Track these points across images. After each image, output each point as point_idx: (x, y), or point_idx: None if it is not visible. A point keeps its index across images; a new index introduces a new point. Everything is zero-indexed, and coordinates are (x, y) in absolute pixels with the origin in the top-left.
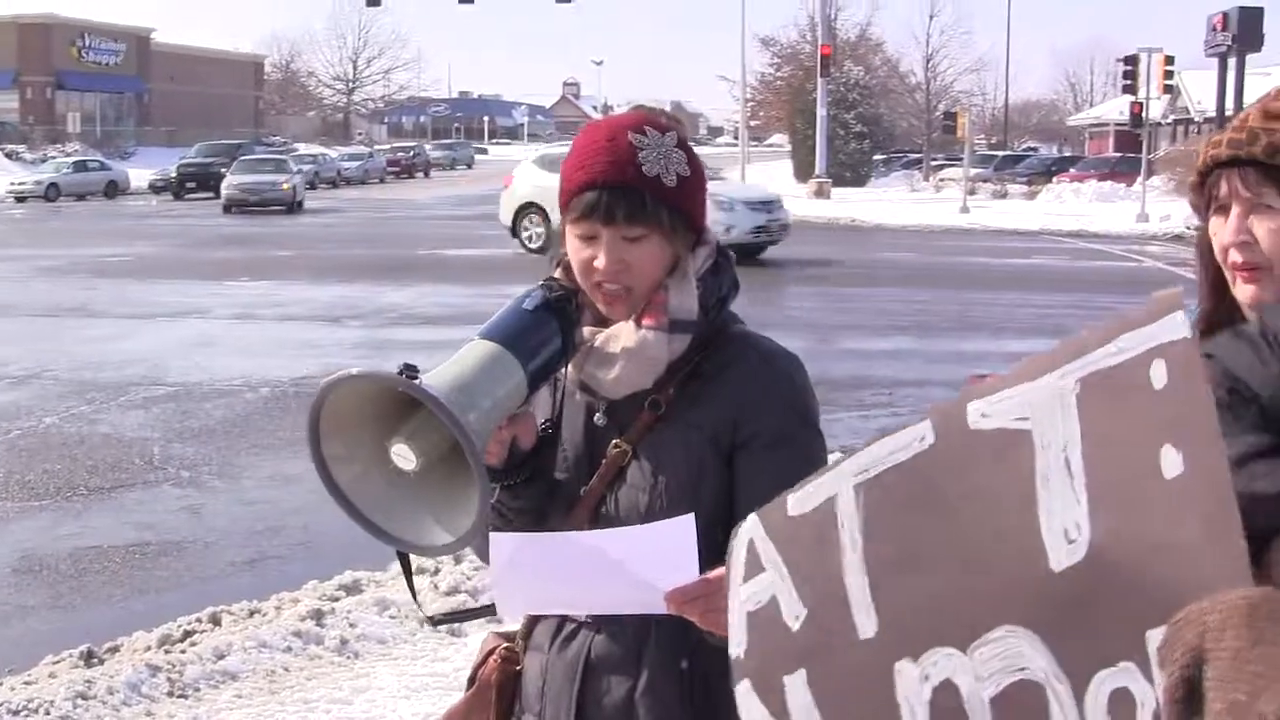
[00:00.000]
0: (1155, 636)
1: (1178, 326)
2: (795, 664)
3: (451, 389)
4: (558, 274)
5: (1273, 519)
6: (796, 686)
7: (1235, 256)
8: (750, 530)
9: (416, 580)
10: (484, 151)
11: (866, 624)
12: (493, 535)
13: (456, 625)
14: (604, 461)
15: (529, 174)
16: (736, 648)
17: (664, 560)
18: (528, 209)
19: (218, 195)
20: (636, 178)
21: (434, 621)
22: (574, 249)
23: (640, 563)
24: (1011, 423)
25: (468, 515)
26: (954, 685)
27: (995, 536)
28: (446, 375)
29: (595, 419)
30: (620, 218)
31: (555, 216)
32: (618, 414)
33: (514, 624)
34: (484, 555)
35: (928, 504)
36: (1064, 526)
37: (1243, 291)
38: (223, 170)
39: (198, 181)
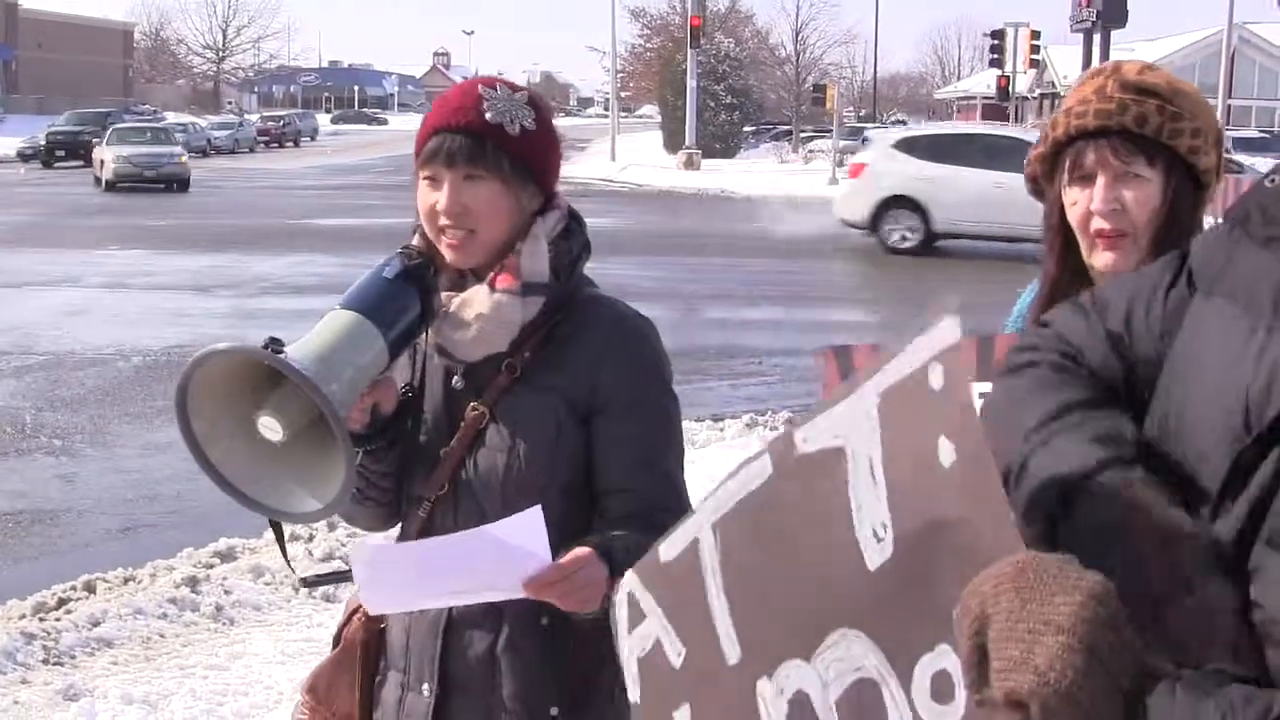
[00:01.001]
0: (956, 612)
1: (948, 333)
2: (680, 699)
3: (314, 360)
4: (415, 240)
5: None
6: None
7: (1101, 224)
8: (629, 584)
9: (291, 548)
10: (384, 122)
11: (731, 651)
12: (352, 546)
13: (330, 590)
14: (463, 424)
15: (893, 160)
16: (634, 695)
17: (518, 551)
18: (896, 203)
19: (88, 164)
20: (479, 123)
21: (306, 583)
22: (422, 197)
23: (496, 557)
24: (830, 441)
25: (334, 482)
26: (805, 694)
27: (824, 549)
28: (309, 347)
29: (453, 382)
30: (461, 160)
31: (934, 211)
32: (475, 377)
33: None
34: (355, 522)
35: (770, 531)
36: (873, 527)
37: (1101, 258)
38: (93, 140)
39: (67, 150)
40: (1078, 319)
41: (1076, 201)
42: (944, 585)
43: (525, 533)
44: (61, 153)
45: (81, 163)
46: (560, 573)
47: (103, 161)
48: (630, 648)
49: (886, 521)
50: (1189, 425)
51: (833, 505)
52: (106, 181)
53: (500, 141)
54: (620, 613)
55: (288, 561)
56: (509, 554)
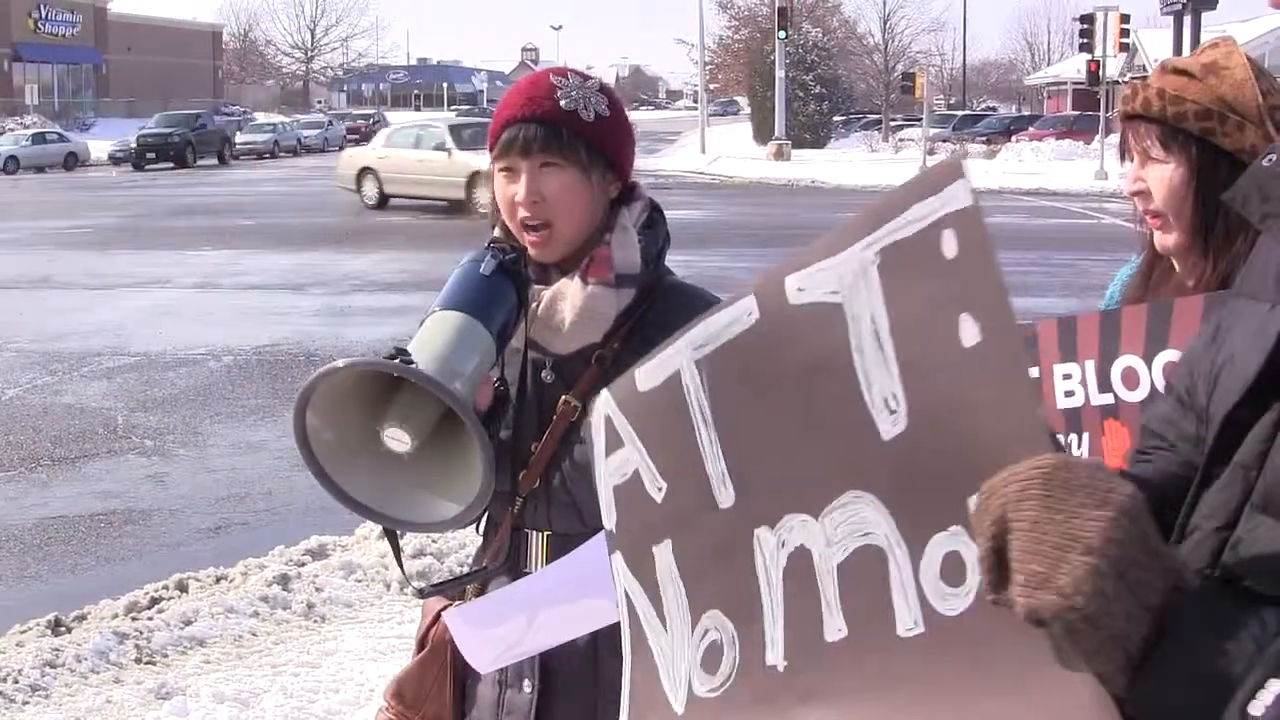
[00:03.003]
0: (974, 503)
1: (962, 195)
2: (661, 535)
3: (438, 364)
4: (497, 232)
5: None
6: (664, 555)
7: (1139, 204)
8: (604, 405)
9: (380, 546)
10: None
11: (724, 495)
12: (445, 614)
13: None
14: (554, 418)
15: None
16: (609, 521)
17: (601, 575)
18: None
19: (178, 166)
20: (553, 110)
21: (423, 594)
22: (500, 189)
23: (582, 584)
24: (825, 296)
25: (470, 483)
26: (806, 551)
27: (828, 406)
28: (429, 352)
29: (544, 375)
30: (536, 148)
31: None
32: (565, 370)
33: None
34: (453, 525)
35: (764, 377)
36: (884, 397)
37: (1156, 238)
38: (187, 139)
39: (157, 152)
40: (1161, 403)
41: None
42: (962, 467)
43: (604, 555)
44: (152, 155)
45: (172, 165)
46: None
47: (367, 171)
48: (606, 473)
49: (899, 394)
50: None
51: (836, 365)
52: (380, 197)
53: (576, 128)
54: (596, 436)
55: (403, 572)
56: (592, 579)
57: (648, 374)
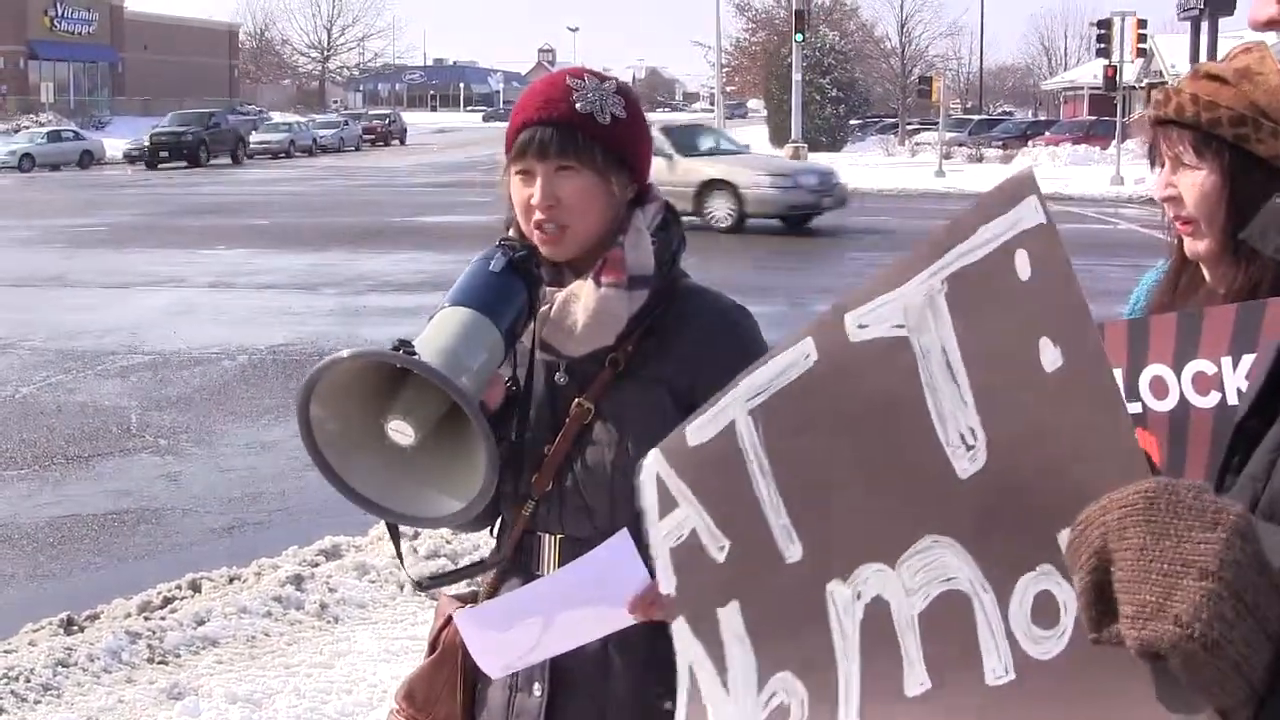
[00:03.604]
0: (1066, 538)
1: (1034, 213)
2: (726, 596)
3: (442, 357)
4: (511, 232)
5: None
6: (730, 617)
7: (1169, 210)
8: (655, 465)
9: (392, 547)
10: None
11: (791, 549)
12: (456, 615)
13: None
14: (567, 420)
15: None
16: (667, 587)
17: (614, 577)
18: None
19: (192, 165)
20: (569, 113)
21: (421, 587)
22: (515, 191)
23: (595, 588)
24: (889, 331)
25: (472, 480)
26: (885, 602)
27: (898, 448)
28: (433, 345)
29: (556, 378)
30: (553, 151)
31: None
32: (578, 372)
33: (471, 587)
34: (470, 527)
35: (825, 423)
36: (959, 433)
37: (1186, 245)
38: (200, 138)
39: (170, 151)
40: None
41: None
42: (1049, 501)
43: (617, 558)
44: (165, 154)
45: (186, 164)
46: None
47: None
48: (661, 535)
49: (975, 427)
50: None
51: (904, 403)
52: (741, 215)
53: (591, 131)
54: (648, 497)
55: (402, 565)
56: (606, 582)
57: (698, 429)
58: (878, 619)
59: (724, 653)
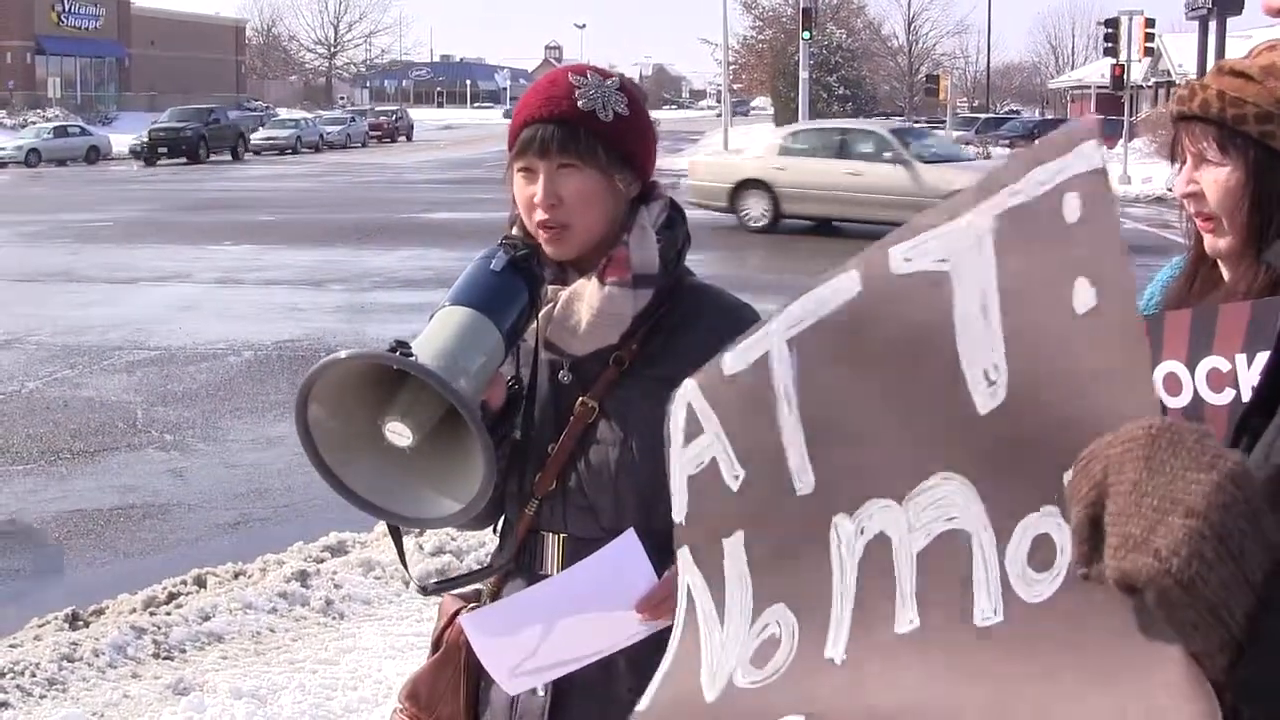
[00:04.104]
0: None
1: (1091, 157)
2: (732, 526)
3: (441, 358)
4: (514, 231)
5: None
6: (734, 548)
7: (1190, 207)
8: (688, 393)
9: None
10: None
11: (803, 481)
12: (463, 618)
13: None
14: (571, 419)
15: None
16: (679, 514)
17: (622, 578)
18: None
19: (191, 161)
20: (571, 111)
21: (426, 591)
22: (518, 189)
23: (602, 588)
24: (932, 265)
25: (470, 481)
26: (886, 538)
27: (923, 383)
28: (432, 346)
29: (560, 376)
30: (555, 149)
31: None
32: (582, 371)
33: (475, 586)
34: (473, 526)
35: (858, 355)
36: (984, 369)
37: (1206, 242)
38: (200, 133)
39: (169, 146)
40: None
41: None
42: (1061, 441)
43: (624, 558)
44: (164, 150)
45: (185, 160)
46: (669, 588)
47: (752, 184)
48: (681, 463)
49: (1000, 364)
50: None
51: (935, 336)
52: (774, 216)
53: (594, 128)
54: (675, 424)
55: (405, 567)
56: (614, 582)
57: (735, 357)
58: (878, 556)
59: (724, 582)
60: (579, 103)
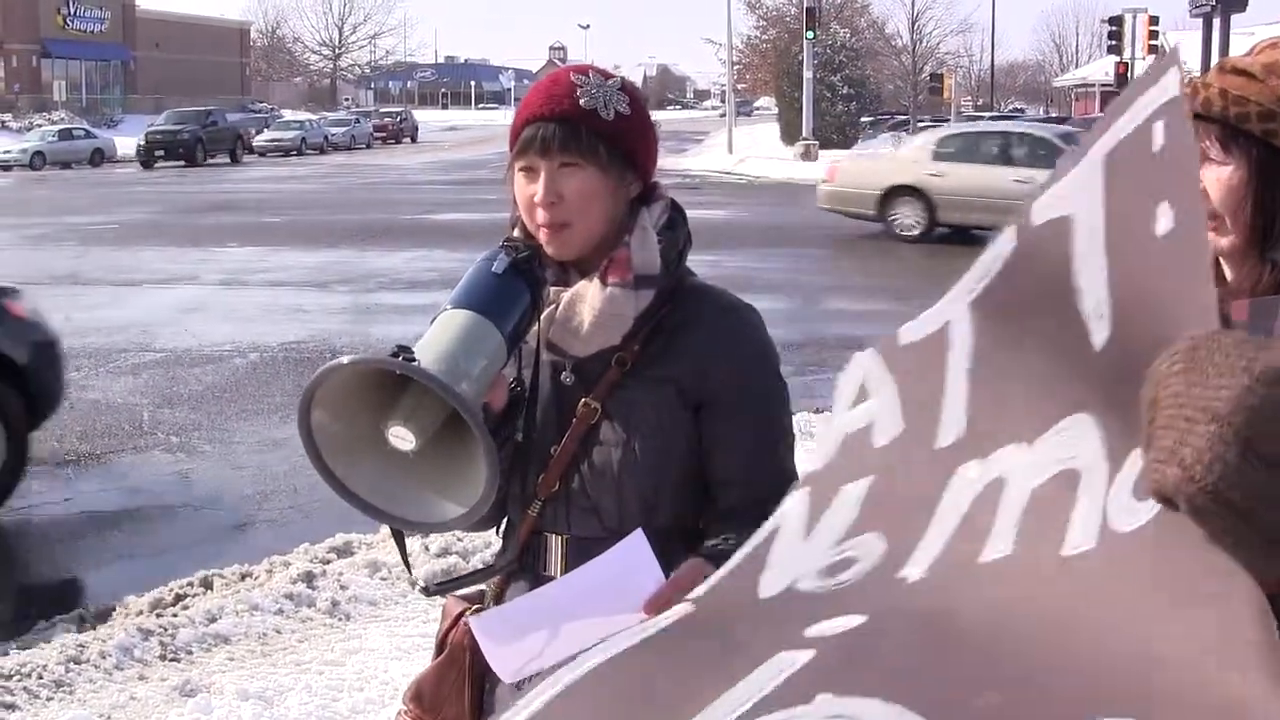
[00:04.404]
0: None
1: (1171, 85)
2: (862, 474)
3: (442, 363)
4: (515, 232)
5: None
6: (854, 489)
7: None
8: (867, 362)
9: (408, 542)
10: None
11: (948, 434)
12: (470, 618)
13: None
14: (574, 420)
15: None
16: (816, 463)
17: (630, 578)
18: None
19: (189, 164)
20: (573, 110)
21: (428, 592)
22: (519, 188)
23: (609, 589)
24: (1059, 211)
25: (473, 485)
26: (1003, 481)
27: (1055, 327)
28: (434, 350)
29: (563, 378)
30: (555, 147)
31: None
32: (585, 372)
33: (479, 588)
34: (476, 527)
35: (1013, 309)
36: (1095, 301)
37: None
38: (197, 136)
39: (166, 150)
40: None
41: None
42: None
43: (632, 558)
44: (161, 153)
45: (182, 163)
46: (677, 588)
47: (905, 191)
48: (843, 423)
49: (1104, 297)
50: None
51: (1061, 281)
52: (928, 225)
53: (595, 127)
54: (845, 388)
55: (409, 569)
56: (621, 582)
57: (913, 328)
58: (990, 498)
59: (825, 507)
60: (580, 101)
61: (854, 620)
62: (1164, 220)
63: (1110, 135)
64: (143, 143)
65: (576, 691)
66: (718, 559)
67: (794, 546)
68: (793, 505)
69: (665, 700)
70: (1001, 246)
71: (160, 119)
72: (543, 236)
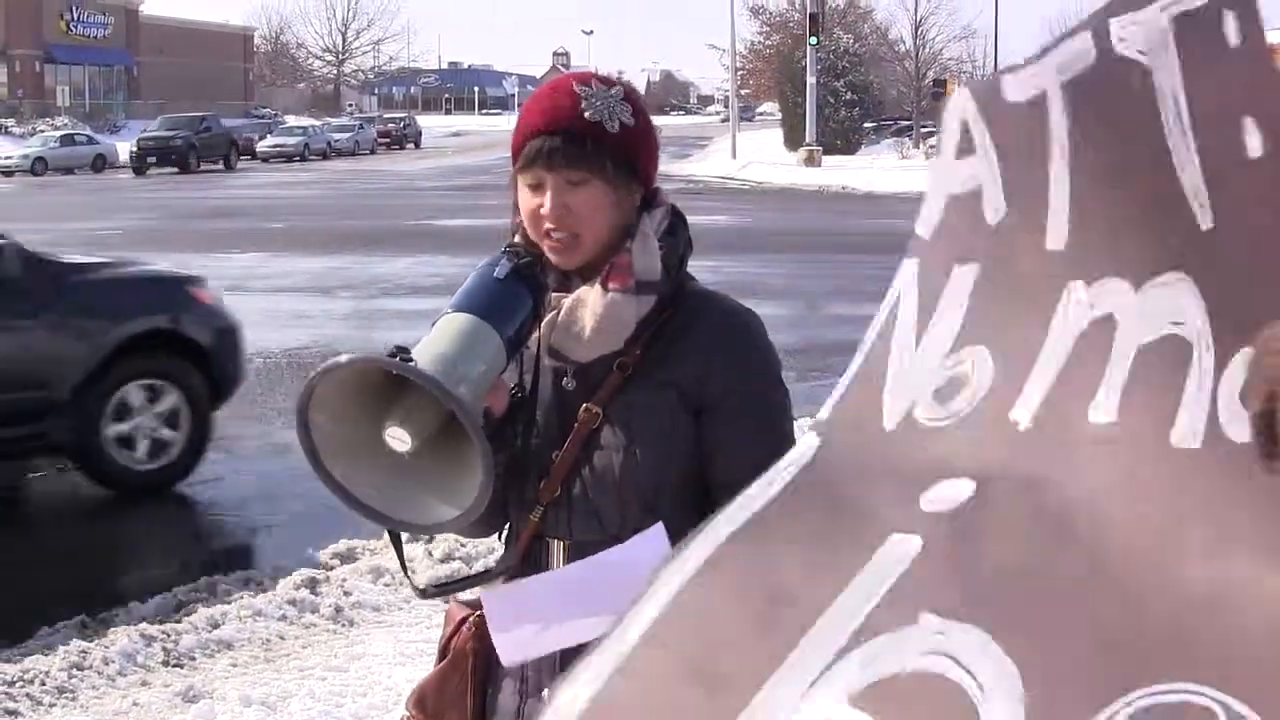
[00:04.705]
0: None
1: None
2: (972, 257)
3: (440, 364)
4: (517, 239)
5: None
6: (963, 277)
7: None
8: (963, 107)
9: (410, 549)
10: None
11: (1057, 236)
12: (483, 594)
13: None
14: (575, 426)
15: None
16: (924, 226)
17: (645, 570)
18: None
19: (181, 171)
20: (577, 122)
21: (424, 594)
22: (524, 200)
23: (623, 580)
24: (1137, 53)
25: (468, 488)
26: (1114, 321)
27: (1152, 178)
28: (431, 352)
29: (564, 383)
30: (561, 162)
31: None
32: (586, 377)
33: (480, 594)
34: (478, 533)
35: (1107, 122)
36: (1194, 187)
37: None
38: (190, 142)
39: (158, 156)
40: None
41: None
42: (1263, 300)
43: (650, 551)
44: (153, 159)
45: (175, 169)
46: None
47: None
48: (945, 177)
49: (1202, 190)
50: None
51: (1149, 132)
52: None
53: (601, 140)
54: (946, 136)
55: (406, 572)
56: (638, 574)
57: (1016, 84)
58: (1099, 335)
59: (936, 306)
60: (586, 114)
61: (963, 489)
62: (1253, 142)
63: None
64: (134, 149)
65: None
66: None
67: (905, 357)
68: (903, 286)
69: (780, 606)
70: (1079, 48)
71: (153, 124)
72: (549, 248)
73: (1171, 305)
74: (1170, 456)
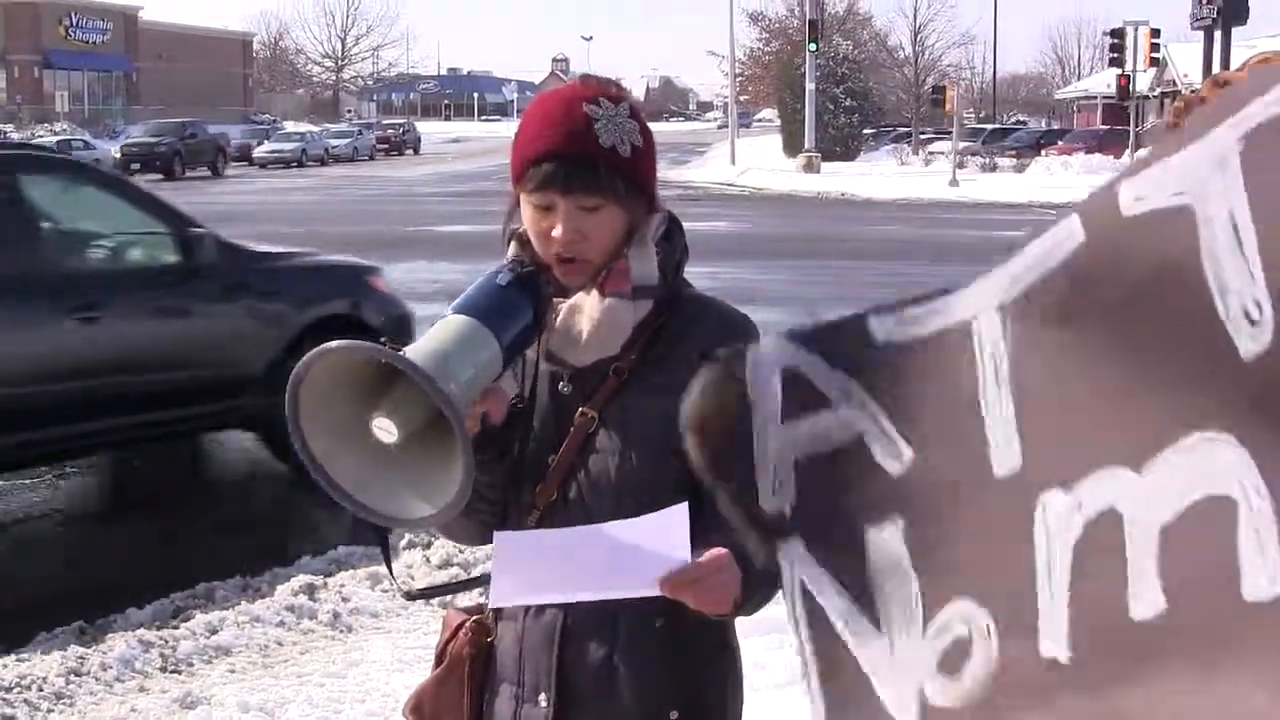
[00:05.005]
0: None
1: None
2: (886, 514)
3: (432, 359)
4: (513, 247)
5: None
6: (885, 539)
7: None
8: (784, 355)
9: (410, 554)
10: None
11: (1005, 460)
12: (496, 534)
13: (450, 597)
14: (571, 430)
15: None
16: (784, 502)
17: (658, 547)
18: None
19: (167, 177)
20: (594, 148)
21: (410, 596)
22: (531, 219)
23: (636, 550)
24: (1169, 200)
25: (449, 487)
26: (1116, 513)
27: (1170, 333)
28: (426, 348)
29: (561, 388)
30: (578, 188)
31: None
32: (583, 382)
33: (480, 599)
34: (455, 536)
35: (1087, 311)
36: (1243, 307)
37: None
38: (175, 149)
39: (142, 162)
40: None
41: None
42: None
43: (669, 529)
44: (137, 166)
45: (160, 176)
46: (699, 572)
47: None
48: (782, 442)
49: (1263, 301)
50: None
51: (1180, 278)
52: None
53: (615, 165)
54: (765, 394)
55: (391, 573)
56: (649, 549)
57: (897, 326)
58: (1101, 534)
59: (867, 581)
60: (600, 138)
61: None
62: None
63: (1248, 114)
64: (118, 155)
65: None
66: (744, 556)
67: (873, 644)
68: (802, 571)
69: None
70: (1056, 238)
71: (137, 130)
72: (559, 270)
73: (1198, 471)
74: (1253, 613)
